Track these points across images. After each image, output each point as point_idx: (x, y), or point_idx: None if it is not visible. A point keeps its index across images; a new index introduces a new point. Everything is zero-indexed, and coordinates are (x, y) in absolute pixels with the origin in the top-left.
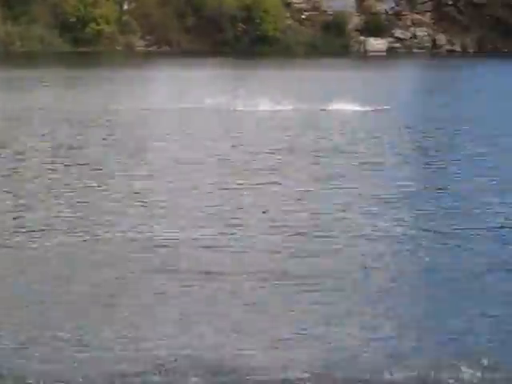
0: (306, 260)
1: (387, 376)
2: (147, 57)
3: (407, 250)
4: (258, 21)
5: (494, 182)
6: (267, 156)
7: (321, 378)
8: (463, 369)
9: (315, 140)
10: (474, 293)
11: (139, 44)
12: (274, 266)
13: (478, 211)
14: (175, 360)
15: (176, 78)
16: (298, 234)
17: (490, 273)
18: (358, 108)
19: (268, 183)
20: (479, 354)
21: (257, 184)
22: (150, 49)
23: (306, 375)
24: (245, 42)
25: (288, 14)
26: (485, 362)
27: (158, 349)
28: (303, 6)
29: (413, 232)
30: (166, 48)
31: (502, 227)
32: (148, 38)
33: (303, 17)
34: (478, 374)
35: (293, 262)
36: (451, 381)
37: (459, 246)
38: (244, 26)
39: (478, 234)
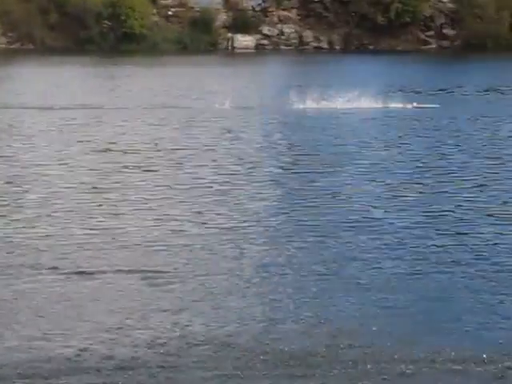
0: (171, 256)
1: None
2: (11, 54)
3: (266, 245)
4: (123, 18)
5: (350, 171)
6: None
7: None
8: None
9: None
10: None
11: (1, 41)
12: (143, 263)
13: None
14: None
15: (42, 76)
16: (170, 230)
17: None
18: (225, 106)
19: (138, 180)
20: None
21: (130, 181)
22: (12, 46)
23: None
24: (111, 40)
25: (154, 11)
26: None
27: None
28: (169, 2)
29: (268, 227)
30: (29, 45)
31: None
32: (10, 35)
33: (170, 13)
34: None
35: (160, 258)
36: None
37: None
38: (109, 23)
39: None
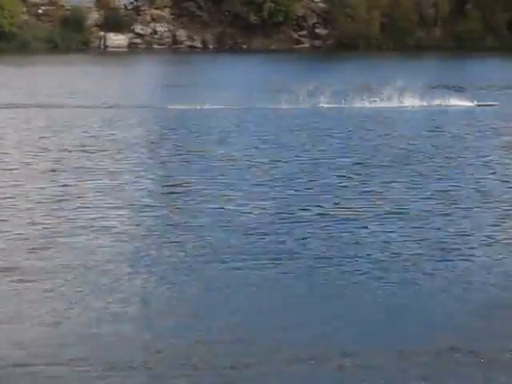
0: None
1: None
2: None
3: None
4: None
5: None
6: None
7: None
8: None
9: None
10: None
11: None
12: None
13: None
14: None
15: None
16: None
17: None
18: (96, 105)
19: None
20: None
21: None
22: None
23: None
24: None
25: (24, 9)
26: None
27: None
28: (39, 0)
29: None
30: None
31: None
32: None
33: (40, 11)
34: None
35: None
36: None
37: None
38: None
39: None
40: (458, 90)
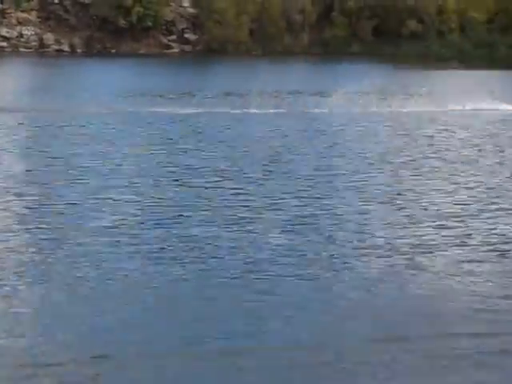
0: None
1: None
2: None
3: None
4: None
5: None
6: None
7: None
8: None
9: None
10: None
11: None
12: None
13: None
14: None
15: None
16: None
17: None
18: None
19: None
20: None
21: None
22: None
23: None
24: None
25: None
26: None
27: None
28: None
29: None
30: None
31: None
32: None
33: None
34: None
35: None
36: None
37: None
38: None
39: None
40: (322, 95)
